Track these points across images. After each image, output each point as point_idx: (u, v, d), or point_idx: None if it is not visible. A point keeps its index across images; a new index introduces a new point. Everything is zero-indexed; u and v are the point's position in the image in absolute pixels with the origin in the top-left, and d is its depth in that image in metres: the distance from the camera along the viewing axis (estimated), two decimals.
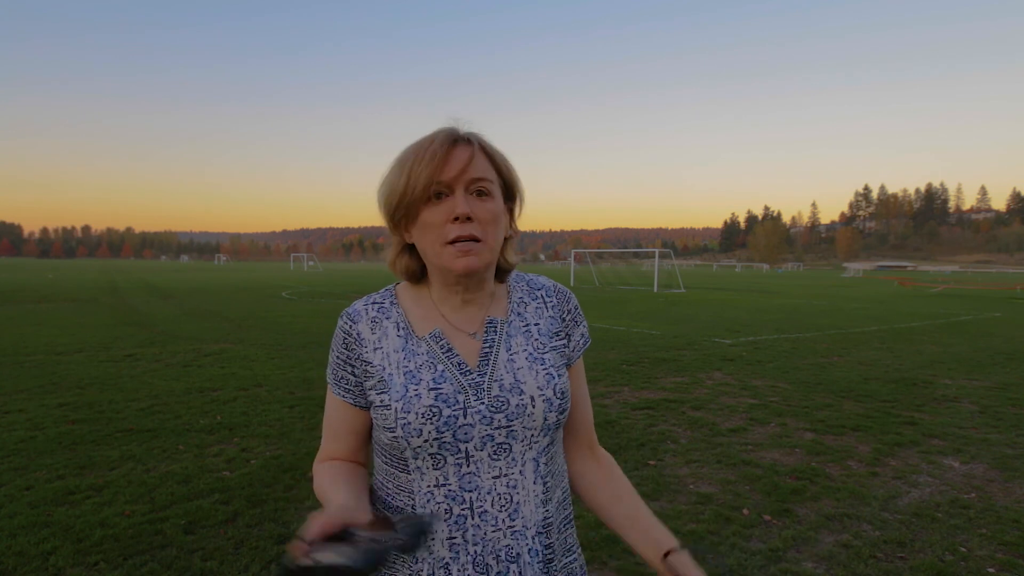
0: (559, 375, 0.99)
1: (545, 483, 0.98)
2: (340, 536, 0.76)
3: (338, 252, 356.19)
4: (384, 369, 0.96)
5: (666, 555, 0.95)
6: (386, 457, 0.98)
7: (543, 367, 0.98)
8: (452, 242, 0.92)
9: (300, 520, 3.29)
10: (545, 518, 0.98)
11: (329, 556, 0.71)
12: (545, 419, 0.96)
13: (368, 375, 0.97)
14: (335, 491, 0.93)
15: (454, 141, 0.93)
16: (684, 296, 24.03)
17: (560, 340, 1.04)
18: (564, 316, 1.06)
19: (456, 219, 0.91)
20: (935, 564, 2.93)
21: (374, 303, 1.02)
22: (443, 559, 0.92)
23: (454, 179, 0.91)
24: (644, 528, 1.02)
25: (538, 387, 0.96)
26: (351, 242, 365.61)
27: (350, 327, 0.99)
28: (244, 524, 3.25)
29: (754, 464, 4.26)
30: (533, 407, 0.94)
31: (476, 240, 0.92)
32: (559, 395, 0.97)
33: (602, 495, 1.07)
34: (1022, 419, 5.53)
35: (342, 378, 0.99)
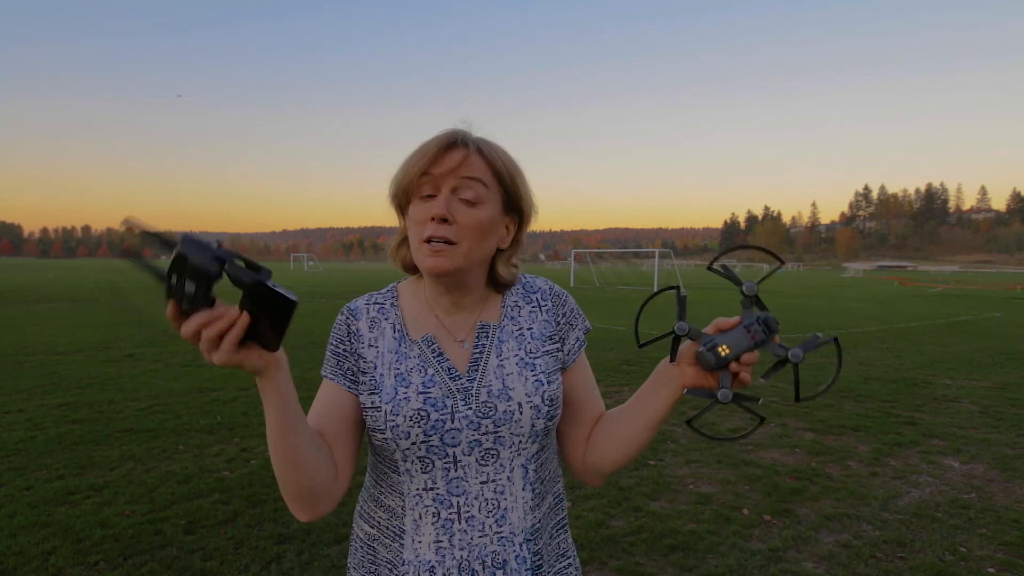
0: (549, 381, 0.98)
1: (535, 489, 0.98)
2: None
3: (338, 252, 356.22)
4: (376, 368, 0.96)
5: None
6: (379, 457, 0.99)
7: (533, 373, 0.97)
8: (428, 241, 0.92)
9: (300, 520, 3.29)
10: (534, 525, 0.97)
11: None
12: (533, 426, 0.95)
13: (361, 370, 0.97)
14: None
15: (452, 142, 0.93)
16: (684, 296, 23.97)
17: (554, 344, 1.03)
18: (559, 319, 1.05)
19: (434, 218, 0.91)
20: (935, 564, 2.93)
21: (376, 303, 1.02)
22: (428, 562, 0.92)
23: (441, 176, 0.91)
24: (643, 391, 0.96)
25: (526, 394, 0.95)
26: (351, 242, 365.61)
27: (352, 322, 1.00)
28: (244, 524, 3.25)
29: (754, 464, 4.26)
30: (521, 413, 0.94)
31: (450, 243, 0.91)
32: (547, 402, 0.96)
33: (613, 435, 1.00)
34: (1022, 419, 5.53)
35: (347, 369, 0.97)
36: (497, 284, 1.03)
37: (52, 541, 3.01)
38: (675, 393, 0.91)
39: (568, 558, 1.05)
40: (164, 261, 0.68)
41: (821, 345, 0.83)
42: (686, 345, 0.89)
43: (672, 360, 0.90)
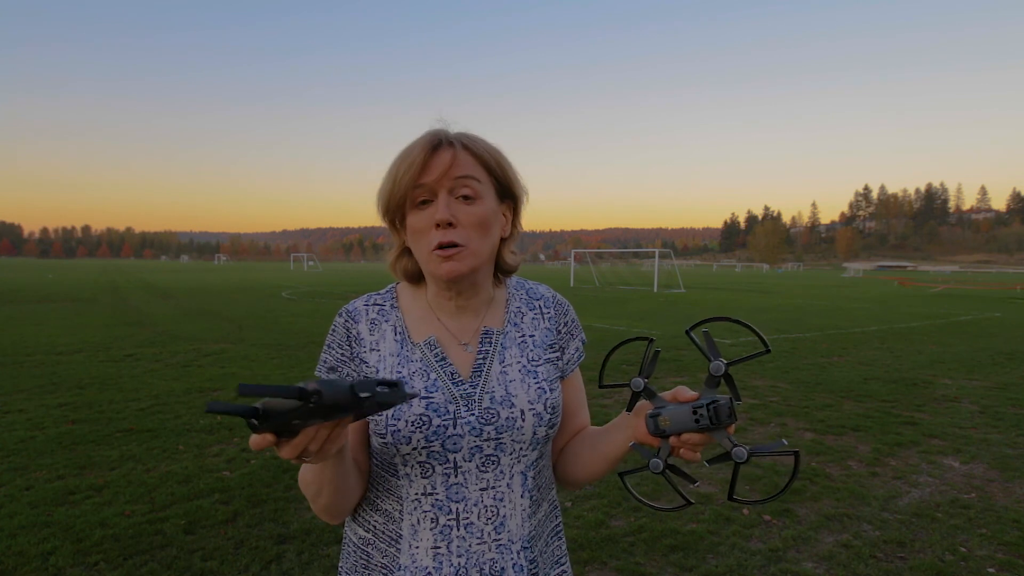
0: (551, 389, 0.98)
1: (532, 497, 0.97)
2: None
3: (338, 252, 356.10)
4: (379, 372, 0.95)
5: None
6: (377, 460, 0.98)
7: (535, 381, 0.97)
8: (436, 248, 0.91)
9: (300, 520, 3.29)
10: (531, 532, 0.97)
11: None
12: (534, 433, 0.95)
13: (364, 375, 0.96)
14: None
15: (436, 145, 0.92)
16: (684, 296, 24.03)
17: (554, 352, 1.03)
18: (560, 328, 1.05)
19: (438, 225, 0.90)
20: (935, 564, 2.93)
21: (375, 304, 1.01)
22: (425, 568, 0.92)
23: (435, 183, 0.90)
24: (607, 427, 0.99)
25: (529, 401, 0.95)
26: (351, 242, 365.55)
27: (351, 326, 0.99)
28: (244, 524, 3.25)
29: (754, 464, 4.26)
30: (523, 421, 0.94)
31: (459, 245, 0.91)
32: (549, 410, 0.96)
33: (581, 456, 1.04)
34: (1022, 419, 5.53)
35: (346, 375, 0.97)
36: (503, 273, 1.03)
37: (52, 541, 3.00)
38: (628, 440, 0.93)
39: (563, 565, 1.05)
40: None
41: (776, 454, 0.79)
42: (645, 400, 0.90)
43: (628, 411, 0.92)
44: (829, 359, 8.81)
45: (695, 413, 0.80)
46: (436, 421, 0.91)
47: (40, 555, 2.88)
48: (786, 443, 0.80)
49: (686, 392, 0.83)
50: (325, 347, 1.01)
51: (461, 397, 0.93)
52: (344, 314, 1.00)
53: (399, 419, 0.90)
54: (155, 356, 8.34)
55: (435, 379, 0.94)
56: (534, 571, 0.97)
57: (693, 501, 0.89)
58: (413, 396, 0.69)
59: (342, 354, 0.98)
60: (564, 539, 1.08)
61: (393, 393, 0.66)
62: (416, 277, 1.01)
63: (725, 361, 0.80)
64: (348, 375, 0.97)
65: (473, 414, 0.92)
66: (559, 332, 1.04)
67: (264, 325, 12.29)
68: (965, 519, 3.43)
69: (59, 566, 2.79)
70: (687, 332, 0.87)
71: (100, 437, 4.65)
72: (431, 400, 0.92)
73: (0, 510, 3.35)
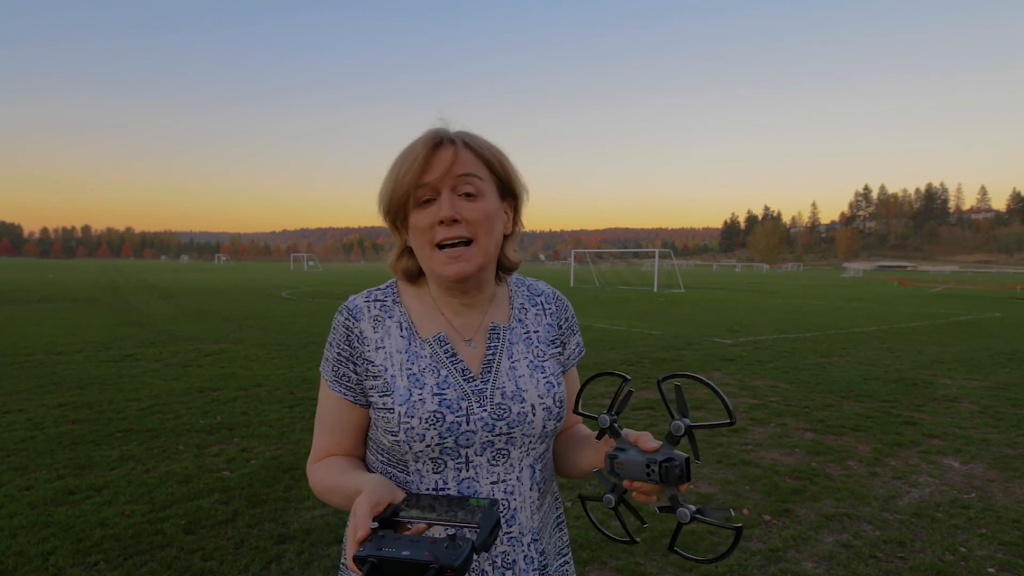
0: (558, 383, 0.99)
1: (540, 489, 0.98)
2: (391, 520, 0.74)
3: (338, 252, 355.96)
4: (387, 371, 0.94)
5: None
6: (385, 457, 0.97)
7: (543, 375, 0.98)
8: (440, 245, 0.91)
9: (300, 520, 3.29)
10: (539, 524, 0.98)
11: (410, 550, 0.67)
12: (544, 427, 0.96)
13: (370, 374, 0.95)
14: (355, 475, 0.89)
15: (437, 143, 0.92)
16: (684, 296, 24.02)
17: (556, 348, 1.04)
18: (561, 324, 1.06)
19: (442, 222, 0.90)
20: (935, 564, 2.93)
21: (376, 300, 1.00)
22: None
23: (438, 180, 0.90)
24: (582, 441, 1.03)
25: (539, 395, 0.96)
26: (351, 242, 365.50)
27: (352, 324, 0.97)
28: (244, 524, 3.25)
29: (754, 464, 4.26)
30: (534, 415, 0.95)
31: (466, 243, 0.91)
32: (558, 403, 0.97)
33: (558, 455, 1.08)
34: (1022, 419, 5.53)
35: (343, 375, 0.97)
36: (504, 271, 1.04)
37: (52, 541, 3.00)
38: (594, 464, 0.97)
39: (565, 555, 1.06)
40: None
41: (719, 525, 0.81)
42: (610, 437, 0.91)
43: (597, 439, 0.95)
44: (829, 359, 8.81)
45: (648, 467, 0.81)
46: (450, 418, 0.91)
47: (40, 555, 2.88)
48: (733, 513, 0.82)
49: (647, 442, 0.83)
50: (327, 345, 1.00)
51: (473, 393, 0.93)
52: (344, 312, 0.98)
53: (413, 416, 0.90)
54: (155, 356, 8.34)
55: (446, 375, 0.94)
56: (544, 563, 0.98)
57: (638, 540, 0.91)
58: (495, 505, 0.78)
59: (340, 352, 0.97)
60: (566, 530, 1.09)
61: (491, 533, 0.72)
62: (416, 276, 1.01)
63: (688, 422, 0.81)
64: (347, 376, 0.97)
65: (485, 410, 0.93)
66: (560, 328, 1.06)
67: (264, 325, 12.28)
68: (965, 519, 3.43)
69: (59, 566, 2.79)
70: (658, 383, 0.87)
71: (100, 437, 4.65)
72: (444, 397, 0.92)
73: (0, 510, 3.35)
